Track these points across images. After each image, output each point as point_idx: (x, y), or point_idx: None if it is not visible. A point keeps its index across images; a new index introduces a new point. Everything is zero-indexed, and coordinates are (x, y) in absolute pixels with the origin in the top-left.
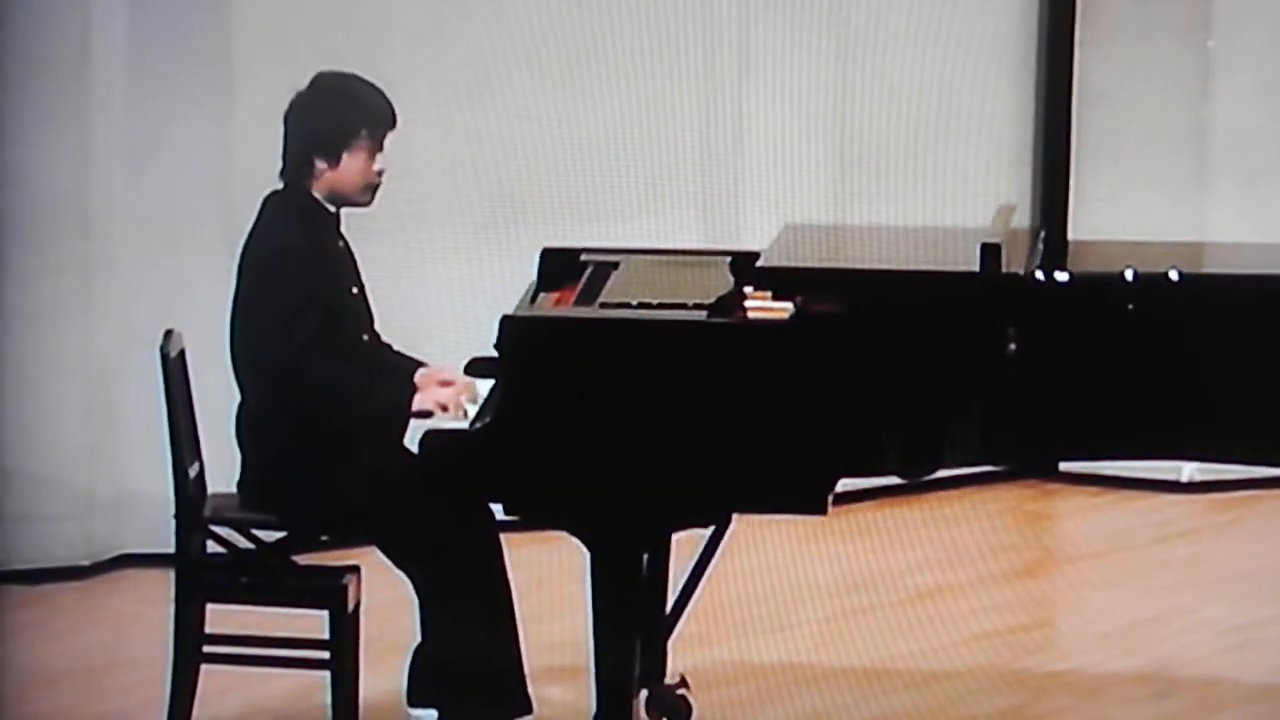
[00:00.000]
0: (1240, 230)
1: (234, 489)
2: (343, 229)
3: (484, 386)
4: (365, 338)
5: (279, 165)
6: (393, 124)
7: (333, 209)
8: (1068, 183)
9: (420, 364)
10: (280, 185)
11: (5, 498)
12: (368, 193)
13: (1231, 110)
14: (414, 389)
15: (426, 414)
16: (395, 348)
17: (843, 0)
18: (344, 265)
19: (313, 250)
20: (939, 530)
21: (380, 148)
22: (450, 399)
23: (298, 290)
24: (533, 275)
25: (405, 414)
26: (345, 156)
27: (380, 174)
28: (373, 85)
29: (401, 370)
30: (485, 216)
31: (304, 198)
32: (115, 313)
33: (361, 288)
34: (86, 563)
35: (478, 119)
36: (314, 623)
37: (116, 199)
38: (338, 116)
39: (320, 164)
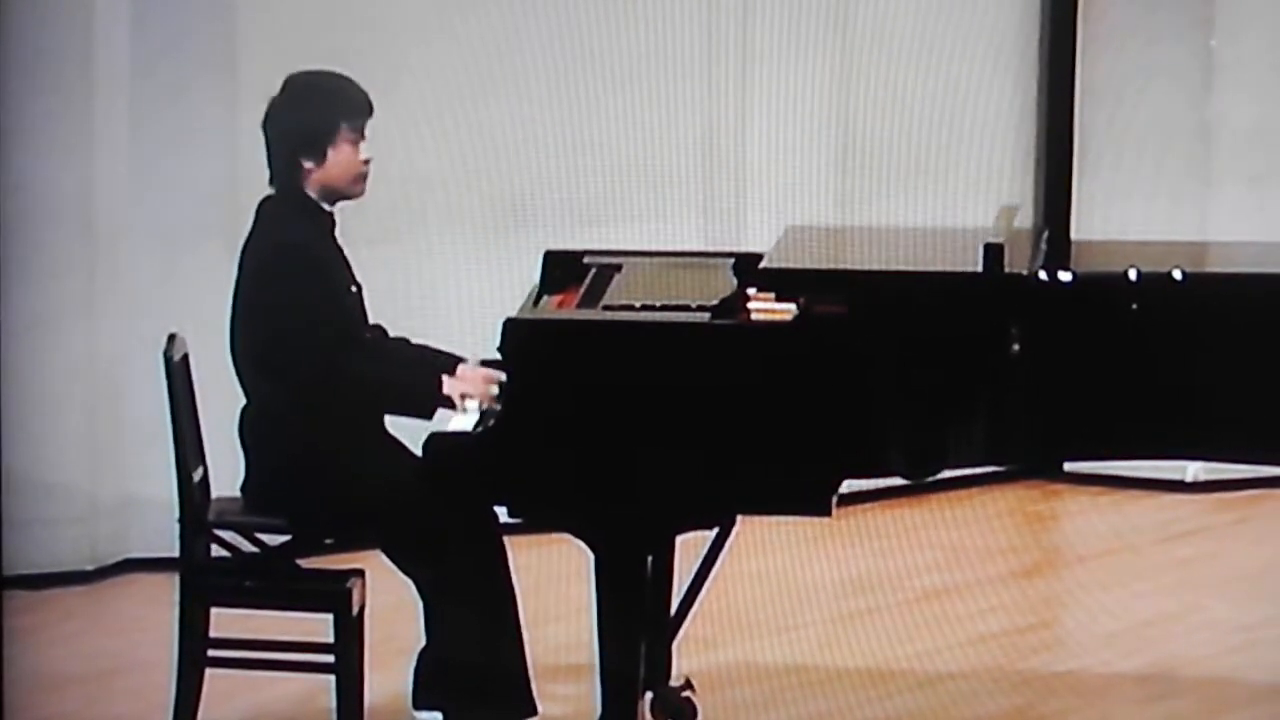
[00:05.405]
0: (1243, 229)
1: (238, 493)
2: (348, 232)
3: None
4: (366, 335)
5: (267, 172)
6: (369, 112)
7: (328, 208)
8: (1071, 183)
9: (460, 359)
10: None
11: (9, 502)
12: (359, 183)
13: (1234, 110)
14: (439, 376)
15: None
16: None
17: (845, 2)
18: (343, 264)
19: (318, 249)
20: (943, 531)
21: (362, 136)
22: (478, 388)
23: (314, 287)
24: (536, 278)
25: (436, 396)
26: (330, 152)
27: (367, 162)
28: (345, 77)
29: (437, 362)
30: (489, 220)
31: (300, 198)
32: (119, 317)
33: (359, 286)
34: (90, 567)
35: (481, 123)
36: (318, 626)
37: (121, 203)
38: (316, 115)
39: (308, 164)
